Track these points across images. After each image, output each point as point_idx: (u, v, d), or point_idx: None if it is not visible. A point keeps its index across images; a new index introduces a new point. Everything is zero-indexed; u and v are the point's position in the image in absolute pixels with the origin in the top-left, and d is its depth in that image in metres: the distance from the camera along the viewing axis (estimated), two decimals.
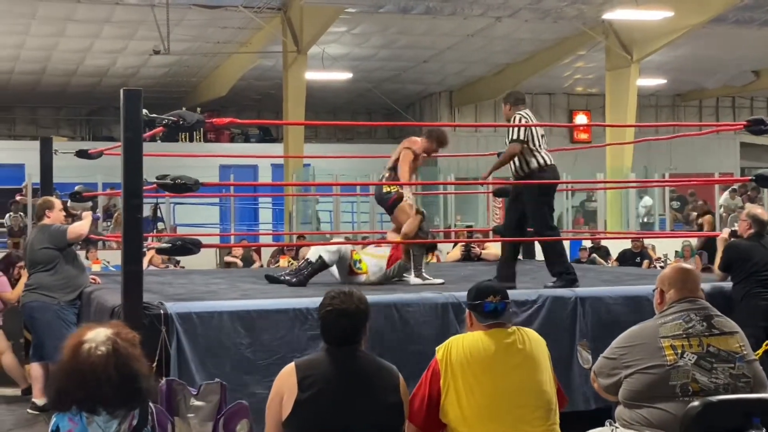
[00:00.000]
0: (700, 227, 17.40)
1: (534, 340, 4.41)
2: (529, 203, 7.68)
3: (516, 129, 7.58)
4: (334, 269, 8.13)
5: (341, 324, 4.12)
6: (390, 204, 8.34)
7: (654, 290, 4.57)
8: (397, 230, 8.37)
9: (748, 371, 4.24)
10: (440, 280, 8.11)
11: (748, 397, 4.09)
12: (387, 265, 8.13)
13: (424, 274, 8.16)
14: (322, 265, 7.99)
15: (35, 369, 8.21)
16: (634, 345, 4.33)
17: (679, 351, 4.22)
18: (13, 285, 9.60)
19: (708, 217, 18.02)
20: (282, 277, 8.05)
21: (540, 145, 7.64)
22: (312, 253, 8.15)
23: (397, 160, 8.41)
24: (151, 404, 3.61)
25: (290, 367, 4.08)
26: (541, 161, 7.60)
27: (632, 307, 7.00)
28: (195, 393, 4.39)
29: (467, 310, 4.52)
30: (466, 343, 4.31)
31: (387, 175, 8.47)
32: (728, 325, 4.38)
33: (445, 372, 4.22)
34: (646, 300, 7.01)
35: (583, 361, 4.71)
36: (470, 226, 19.13)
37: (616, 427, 4.32)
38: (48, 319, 8.01)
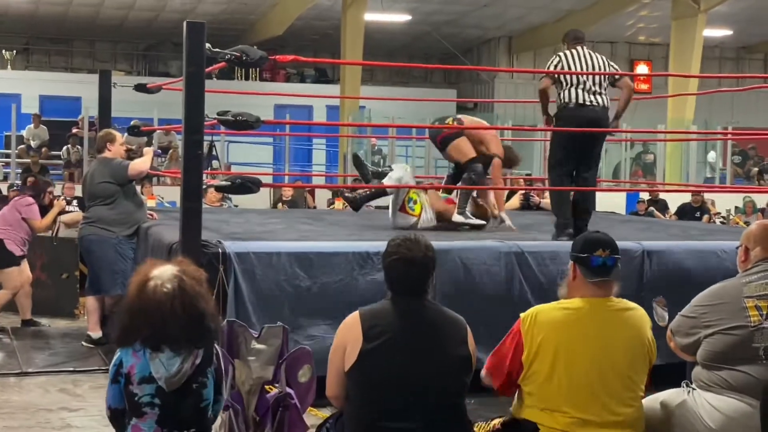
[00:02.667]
0: None
1: (640, 317, 4.08)
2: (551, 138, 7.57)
3: (548, 64, 7.37)
4: (388, 201, 8.00)
5: (408, 273, 3.93)
6: (442, 138, 8.12)
7: (738, 247, 4.35)
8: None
9: None
10: (482, 221, 7.96)
11: None
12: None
13: (466, 212, 7.98)
14: (380, 192, 7.89)
15: (90, 302, 8.17)
16: (716, 304, 4.13)
17: (765, 312, 4.02)
18: (44, 212, 9.42)
19: None
20: (343, 193, 7.99)
21: (574, 82, 7.22)
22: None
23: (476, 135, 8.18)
24: (216, 345, 3.51)
25: (354, 316, 3.92)
26: (572, 98, 7.20)
27: (701, 262, 6.81)
28: (256, 335, 4.27)
29: (571, 262, 4.14)
30: (556, 316, 3.99)
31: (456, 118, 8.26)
32: None
33: (529, 345, 3.94)
34: (715, 255, 6.83)
35: (658, 318, 4.50)
36: (529, 174, 18.84)
37: (693, 389, 4.14)
38: (105, 252, 7.95)
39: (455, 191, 8.28)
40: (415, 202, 7.89)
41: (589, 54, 7.35)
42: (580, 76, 7.23)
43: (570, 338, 3.94)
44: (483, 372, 4.12)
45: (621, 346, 3.95)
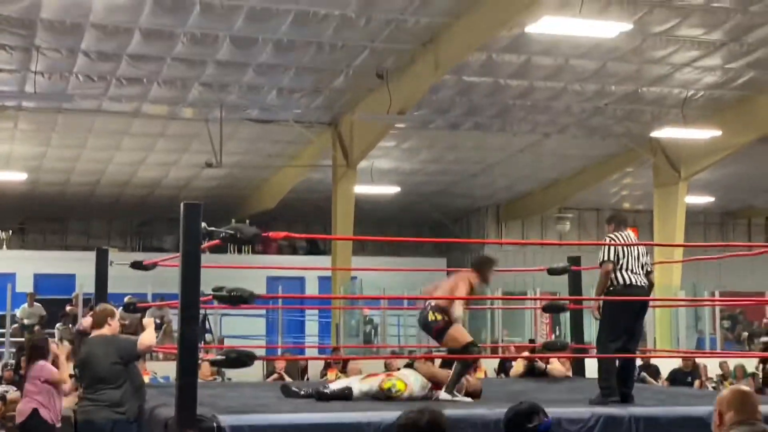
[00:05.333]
0: (765, 346, 17.03)
1: None
2: (601, 318, 8.09)
3: (605, 250, 8.01)
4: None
5: None
6: (437, 332, 8.33)
7: (713, 412, 4.53)
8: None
9: None
10: (469, 399, 8.07)
11: None
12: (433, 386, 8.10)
13: (454, 392, 8.09)
14: (346, 396, 7.89)
15: None
16: None
17: None
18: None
19: None
20: (302, 392, 8.07)
21: (628, 265, 7.95)
22: (342, 382, 8.19)
23: (446, 296, 8.42)
24: None
25: None
26: (622, 280, 7.93)
27: (688, 428, 6.91)
28: None
29: None
30: None
31: (433, 305, 8.43)
32: None
33: None
34: (703, 422, 6.94)
35: None
36: (533, 341, 18.99)
37: None
38: None
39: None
40: (394, 386, 7.94)
41: (633, 237, 8.20)
42: (630, 259, 7.97)
43: None
44: None
45: None
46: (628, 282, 7.93)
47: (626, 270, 7.94)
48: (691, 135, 20.60)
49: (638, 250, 8.10)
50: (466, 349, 8.14)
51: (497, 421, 6.65)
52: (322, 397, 7.84)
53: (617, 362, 7.97)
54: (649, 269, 8.18)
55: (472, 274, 8.52)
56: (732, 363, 18.11)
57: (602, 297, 8.05)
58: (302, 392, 8.13)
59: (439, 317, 8.24)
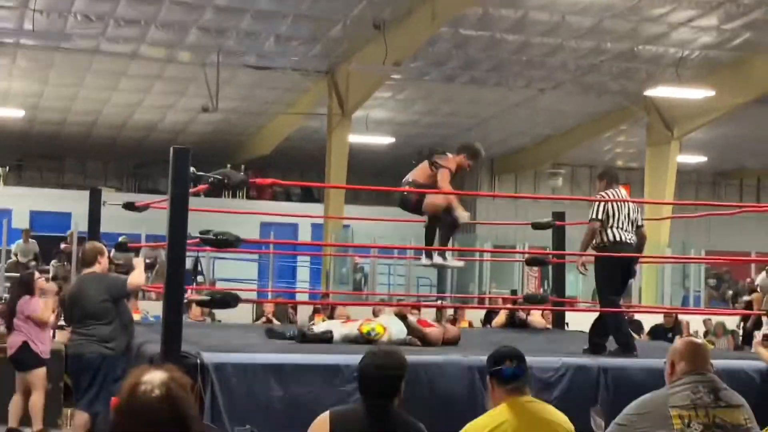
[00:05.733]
0: (749, 304, 17.26)
1: (558, 421, 4.57)
2: (595, 275, 8.29)
3: (595, 207, 8.17)
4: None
5: (377, 379, 4.39)
6: (414, 204, 8.59)
7: (665, 362, 4.78)
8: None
9: None
10: (460, 263, 8.30)
11: None
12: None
13: (446, 255, 8.35)
14: (327, 339, 8.09)
15: (81, 418, 8.16)
16: (644, 413, 4.53)
17: (686, 420, 4.41)
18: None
19: (757, 295, 17.81)
20: (287, 334, 8.30)
21: (618, 222, 8.11)
22: (324, 325, 8.42)
23: (424, 176, 8.69)
24: None
25: (325, 415, 4.36)
26: (611, 237, 8.10)
27: (654, 379, 7.15)
28: None
29: (488, 377, 4.70)
30: (483, 425, 4.49)
31: (410, 181, 8.77)
32: (735, 398, 4.58)
33: None
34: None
35: (596, 426, 4.91)
36: (514, 292, 19.27)
37: None
38: (108, 371, 8.01)
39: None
40: (373, 330, 8.11)
41: (624, 194, 8.43)
42: (620, 216, 8.13)
43: None
44: None
45: None
46: (618, 239, 8.10)
47: (617, 227, 8.10)
48: (685, 94, 20.74)
49: (629, 207, 8.27)
50: (446, 212, 8.40)
51: (470, 368, 6.94)
52: (304, 338, 8.09)
53: (604, 315, 8.21)
54: (639, 224, 8.36)
55: (450, 160, 8.75)
56: (715, 321, 18.41)
57: (587, 253, 8.25)
58: (287, 334, 8.38)
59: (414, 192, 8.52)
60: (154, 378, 3.89)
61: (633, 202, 8.48)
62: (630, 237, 8.20)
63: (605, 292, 8.29)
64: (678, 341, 4.92)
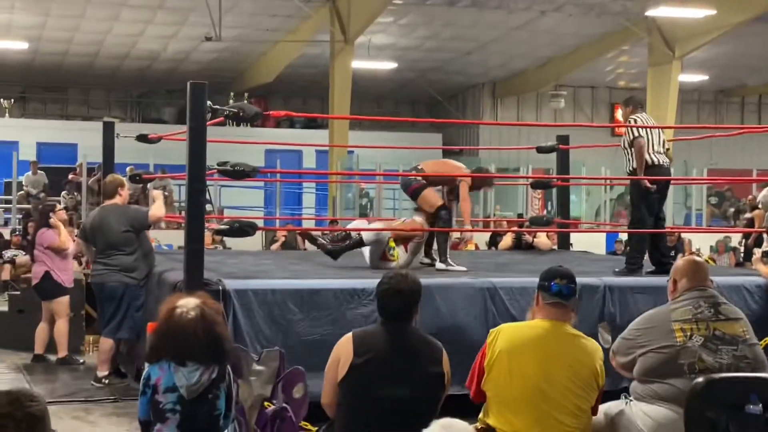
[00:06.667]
0: (751, 221, 17.36)
1: (592, 347, 4.69)
2: (631, 197, 8.54)
3: (630, 130, 8.28)
4: (365, 252, 8.53)
5: (396, 301, 4.67)
6: (412, 190, 8.77)
7: (668, 280, 5.07)
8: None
9: (749, 353, 4.73)
10: (463, 268, 8.48)
11: (747, 375, 4.54)
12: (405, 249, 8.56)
13: (449, 260, 8.55)
14: (358, 242, 8.41)
15: (106, 344, 8.38)
16: (649, 327, 4.83)
17: (688, 333, 4.71)
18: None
19: (759, 212, 17.95)
20: (319, 240, 8.53)
21: (652, 146, 8.25)
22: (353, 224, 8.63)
23: (434, 168, 8.85)
24: (228, 366, 4.24)
25: (348, 335, 4.66)
26: (649, 161, 8.21)
27: (657, 296, 7.43)
28: (257, 359, 4.94)
29: (536, 290, 4.84)
30: (516, 331, 4.71)
31: (419, 168, 8.87)
32: (734, 311, 4.89)
33: (490, 354, 4.64)
34: None
35: (603, 341, 5.20)
36: (520, 216, 19.48)
37: (630, 400, 4.82)
38: (131, 299, 8.26)
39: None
40: (393, 249, 8.48)
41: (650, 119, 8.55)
42: (654, 141, 8.28)
43: (523, 350, 4.61)
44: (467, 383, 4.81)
45: (567, 363, 4.59)
46: (656, 162, 8.23)
47: (652, 151, 8.23)
48: (686, 14, 20.78)
49: (658, 130, 8.41)
50: (438, 213, 8.58)
51: (480, 289, 7.22)
52: (339, 240, 8.46)
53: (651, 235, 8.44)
54: (666, 146, 8.57)
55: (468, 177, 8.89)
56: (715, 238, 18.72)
57: (628, 176, 8.41)
58: (325, 241, 8.58)
59: (419, 178, 8.66)
60: (188, 302, 4.28)
61: (631, 127, 8.47)
62: (664, 159, 8.36)
63: (642, 214, 8.40)
64: (680, 260, 5.21)
